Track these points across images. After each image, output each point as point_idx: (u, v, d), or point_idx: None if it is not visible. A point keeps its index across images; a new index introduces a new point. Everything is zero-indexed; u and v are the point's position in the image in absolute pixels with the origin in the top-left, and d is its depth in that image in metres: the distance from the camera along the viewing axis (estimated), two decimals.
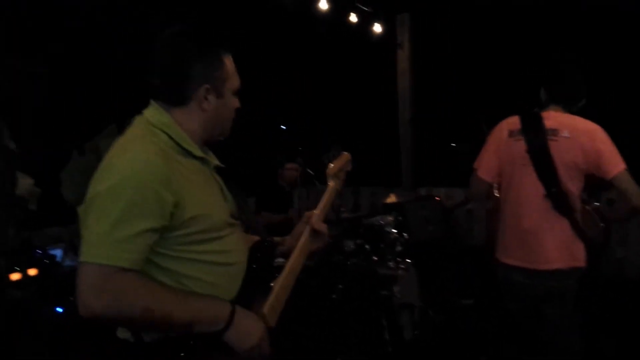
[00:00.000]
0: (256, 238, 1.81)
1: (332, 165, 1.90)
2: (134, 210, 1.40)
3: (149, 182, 1.42)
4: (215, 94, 1.61)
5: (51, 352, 2.62)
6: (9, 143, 2.89)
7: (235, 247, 1.63)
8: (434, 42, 6.78)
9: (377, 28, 6.20)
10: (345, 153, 1.99)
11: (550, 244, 2.71)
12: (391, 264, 4.02)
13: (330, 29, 5.95)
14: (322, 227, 1.79)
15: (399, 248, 4.16)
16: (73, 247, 3.17)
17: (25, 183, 2.94)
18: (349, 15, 5.92)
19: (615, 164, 2.62)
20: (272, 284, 1.65)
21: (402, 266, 3.99)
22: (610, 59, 5.80)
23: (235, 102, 1.69)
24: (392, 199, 4.98)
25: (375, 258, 4.07)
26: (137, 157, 1.44)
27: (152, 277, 1.48)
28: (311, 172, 4.32)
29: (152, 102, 1.63)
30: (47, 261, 2.95)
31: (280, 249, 1.83)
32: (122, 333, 1.55)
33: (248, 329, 1.53)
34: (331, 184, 1.89)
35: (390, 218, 4.25)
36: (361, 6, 5.91)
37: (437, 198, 5.47)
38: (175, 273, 1.50)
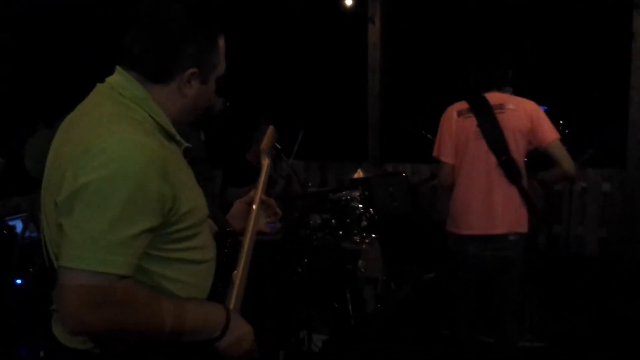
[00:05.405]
0: (214, 226, 1.68)
1: (264, 141, 1.85)
2: (136, 207, 1.20)
3: (150, 173, 1.22)
4: (200, 79, 1.41)
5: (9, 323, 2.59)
6: None
7: (209, 241, 1.51)
8: (405, 16, 6.76)
9: (348, 1, 6.14)
10: (271, 127, 1.92)
11: (500, 209, 2.94)
12: (356, 238, 4.07)
13: (301, 1, 5.88)
14: (270, 201, 1.76)
15: (364, 223, 4.21)
16: (33, 217, 3.11)
17: None
18: None
19: (551, 132, 2.95)
20: (232, 275, 1.53)
21: (367, 241, 4.04)
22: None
23: (214, 88, 1.49)
24: (359, 174, 5.02)
25: (341, 233, 4.11)
26: (130, 141, 1.23)
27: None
28: (278, 146, 4.30)
29: (119, 69, 1.39)
30: (6, 232, 2.89)
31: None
32: (79, 344, 1.31)
33: (242, 334, 1.41)
34: (265, 161, 1.83)
35: (356, 193, 4.29)
36: None
37: (403, 174, 5.53)
38: (154, 274, 1.33)
